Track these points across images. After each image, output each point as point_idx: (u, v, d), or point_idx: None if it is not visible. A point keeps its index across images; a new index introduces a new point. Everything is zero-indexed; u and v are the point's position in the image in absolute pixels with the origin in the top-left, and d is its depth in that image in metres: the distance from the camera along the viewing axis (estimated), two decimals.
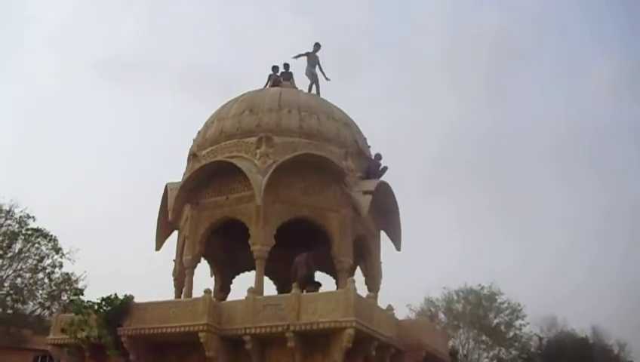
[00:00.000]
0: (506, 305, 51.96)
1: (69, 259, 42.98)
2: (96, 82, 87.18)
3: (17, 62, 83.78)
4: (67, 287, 39.77)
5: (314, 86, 21.42)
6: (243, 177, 17.42)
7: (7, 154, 72.41)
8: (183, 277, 18.78)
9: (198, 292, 16.79)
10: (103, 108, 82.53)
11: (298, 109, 18.99)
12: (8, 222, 42.07)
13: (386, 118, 79.97)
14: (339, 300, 14.40)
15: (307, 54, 21.57)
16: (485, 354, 52.70)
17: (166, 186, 19.30)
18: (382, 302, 16.84)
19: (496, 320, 52.41)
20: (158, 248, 20.02)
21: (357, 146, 19.24)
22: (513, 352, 51.32)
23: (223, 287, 20.89)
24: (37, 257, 42.48)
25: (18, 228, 42.41)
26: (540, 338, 53.14)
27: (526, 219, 77.20)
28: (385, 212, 19.46)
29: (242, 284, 19.46)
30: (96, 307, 16.48)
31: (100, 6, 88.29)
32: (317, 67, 21.63)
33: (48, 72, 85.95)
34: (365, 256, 19.33)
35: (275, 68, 21.58)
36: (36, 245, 42.82)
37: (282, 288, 19.43)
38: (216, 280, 21.12)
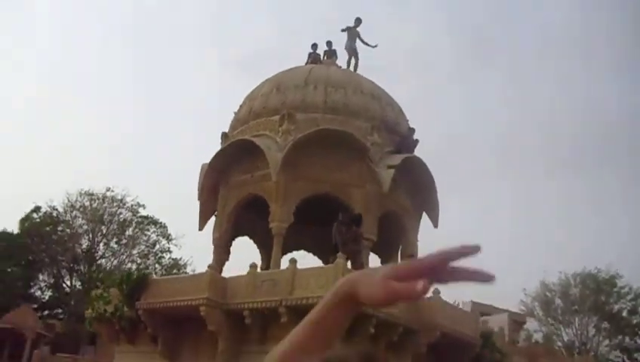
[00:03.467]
0: (627, 289, 49.11)
1: (176, 245, 44.89)
2: (237, 76, 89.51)
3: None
4: (176, 271, 41.46)
5: (352, 60, 21.01)
6: (265, 155, 17.39)
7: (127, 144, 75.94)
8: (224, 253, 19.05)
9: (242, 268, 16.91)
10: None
11: (325, 85, 18.71)
12: (121, 210, 44.37)
13: (521, 96, 77.75)
14: (328, 275, 14.13)
15: (347, 29, 21.22)
16: (606, 342, 50.04)
17: (202, 166, 19.58)
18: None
19: (617, 306, 49.67)
20: (200, 228, 20.33)
21: (386, 120, 18.67)
22: (638, 341, 48.47)
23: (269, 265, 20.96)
24: (147, 243, 44.59)
25: (130, 216, 44.61)
26: None
27: None
28: (421, 188, 18.84)
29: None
30: (117, 283, 17.07)
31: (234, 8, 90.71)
32: (357, 41, 21.21)
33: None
34: (399, 234, 18.78)
35: (314, 45, 21.38)
36: (146, 232, 44.91)
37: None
38: (262, 258, 21.23)
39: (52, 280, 42.68)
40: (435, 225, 19.20)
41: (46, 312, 41.83)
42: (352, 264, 15.51)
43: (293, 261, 15.20)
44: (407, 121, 19.81)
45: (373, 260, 19.54)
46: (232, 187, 18.58)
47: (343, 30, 21.31)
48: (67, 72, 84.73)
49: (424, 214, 19.61)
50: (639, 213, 74.02)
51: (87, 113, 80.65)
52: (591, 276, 49.67)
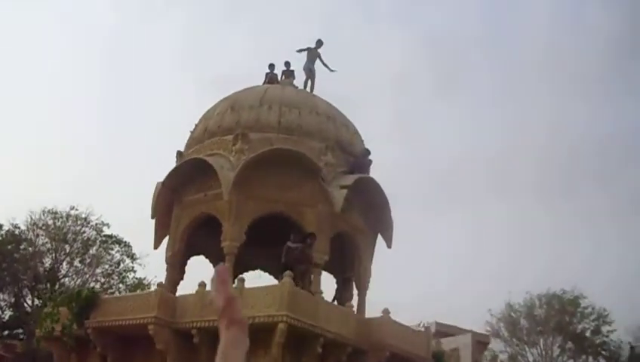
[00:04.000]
0: (590, 309, 49.54)
1: (140, 264, 44.62)
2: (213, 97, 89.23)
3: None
4: (140, 291, 41.05)
5: (309, 82, 21.13)
6: (217, 174, 17.41)
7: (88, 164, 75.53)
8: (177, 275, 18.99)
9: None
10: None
11: (280, 105, 18.81)
12: (85, 229, 43.96)
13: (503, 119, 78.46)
14: (274, 294, 14.15)
15: (308, 49, 21.31)
16: None
17: (156, 185, 19.54)
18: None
19: (581, 326, 50.06)
20: (155, 247, 20.24)
21: (340, 141, 18.78)
22: (601, 361, 48.82)
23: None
24: (111, 263, 44.23)
25: (95, 235, 44.24)
26: (632, 347, 49.94)
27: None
28: (375, 208, 18.94)
29: None
30: (66, 301, 16.94)
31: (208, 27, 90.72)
32: (316, 63, 21.32)
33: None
34: (353, 254, 18.84)
35: (271, 66, 21.47)
36: (111, 251, 44.56)
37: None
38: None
39: (13, 300, 42.13)
40: (389, 246, 19.30)
41: (6, 332, 41.23)
42: (300, 283, 15.57)
43: (241, 280, 15.21)
44: (363, 142, 19.97)
45: (328, 280, 19.66)
46: (186, 206, 18.56)
47: (300, 50, 21.40)
48: (33, 83, 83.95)
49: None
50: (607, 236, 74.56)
51: (52, 128, 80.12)
52: (556, 296, 50.04)
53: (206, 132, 19.11)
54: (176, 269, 18.71)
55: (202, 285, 15.67)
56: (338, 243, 18.21)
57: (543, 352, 49.86)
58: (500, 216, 79.64)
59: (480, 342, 42.24)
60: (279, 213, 17.59)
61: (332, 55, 21.83)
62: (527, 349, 50.57)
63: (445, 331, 41.63)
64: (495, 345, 49.84)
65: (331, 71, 21.57)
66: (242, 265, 19.93)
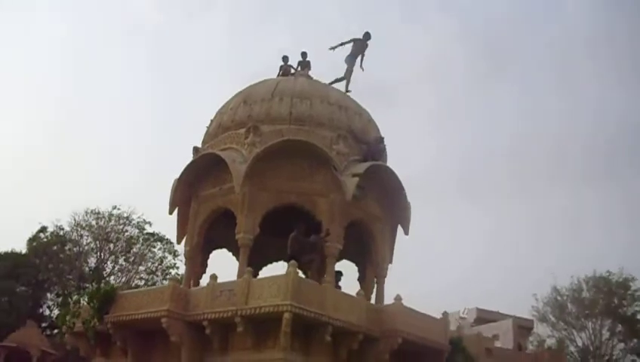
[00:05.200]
0: None
1: (182, 261, 45.42)
2: None
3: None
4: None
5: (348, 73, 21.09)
6: (229, 168, 17.61)
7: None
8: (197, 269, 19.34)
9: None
10: None
11: (291, 96, 18.87)
12: (127, 228, 44.83)
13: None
14: (280, 284, 14.26)
15: (354, 40, 21.28)
16: (621, 346, 49.44)
17: (173, 181, 19.84)
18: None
19: (631, 309, 49.14)
20: (178, 242, 20.57)
21: (352, 129, 18.79)
22: None
23: None
24: (154, 260, 44.98)
25: (137, 233, 45.05)
26: None
27: None
28: (390, 195, 18.94)
29: None
30: (88, 297, 17.37)
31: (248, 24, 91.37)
32: (360, 56, 21.32)
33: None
34: (370, 242, 18.85)
35: (285, 58, 21.55)
36: (153, 248, 45.32)
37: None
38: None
39: (60, 299, 43.26)
40: (406, 233, 19.26)
41: (55, 331, 42.34)
42: (309, 273, 15.68)
43: (249, 271, 15.34)
44: (378, 130, 19.93)
45: (346, 268, 19.72)
46: (202, 200, 18.80)
47: (339, 45, 21.32)
48: (82, 90, 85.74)
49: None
50: None
51: (96, 129, 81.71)
52: (603, 279, 49.23)
53: (220, 127, 19.32)
54: (196, 263, 19.00)
55: (213, 277, 15.88)
56: (355, 232, 18.26)
57: (592, 336, 49.14)
58: (549, 202, 78.70)
59: (522, 327, 41.85)
60: (292, 203, 17.67)
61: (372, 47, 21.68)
62: (575, 333, 49.92)
63: (486, 317, 41.45)
64: (541, 329, 49.38)
65: (362, 69, 21.50)
66: (261, 257, 20.21)
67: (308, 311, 14.14)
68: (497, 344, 36.37)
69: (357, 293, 16.23)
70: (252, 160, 17.29)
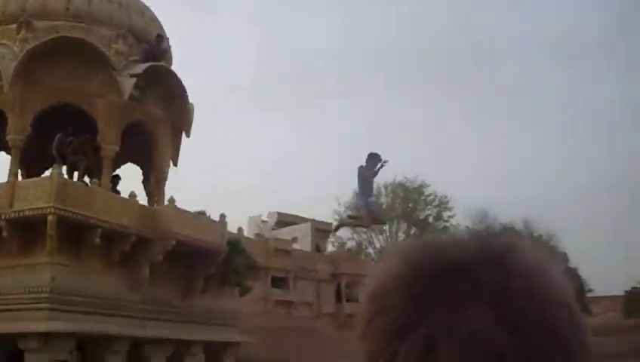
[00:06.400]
0: (432, 197, 51.89)
1: None
2: None
3: None
4: None
5: None
6: None
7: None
8: None
9: None
10: None
11: None
12: None
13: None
14: (44, 187, 13.91)
15: None
16: None
17: None
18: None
19: (424, 213, 52.48)
20: None
21: (133, 28, 18.25)
22: None
23: None
24: None
25: None
26: (470, 230, 53.00)
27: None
28: (172, 98, 18.72)
29: None
30: None
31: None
32: None
33: None
34: (151, 145, 18.66)
35: None
36: None
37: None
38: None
39: None
40: (188, 135, 19.26)
41: None
42: (76, 175, 15.36)
43: (14, 174, 14.86)
44: (163, 30, 19.48)
45: (127, 171, 19.51)
46: None
47: None
48: None
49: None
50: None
51: None
52: (401, 185, 51.94)
53: None
54: None
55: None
56: (136, 134, 18.00)
57: (389, 238, 52.05)
58: (349, 108, 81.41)
59: (321, 230, 43.39)
60: (67, 103, 17.06)
61: None
62: (373, 236, 52.65)
63: (287, 220, 42.69)
64: (342, 232, 51.53)
65: None
66: (42, 160, 19.50)
67: (74, 213, 13.93)
68: (296, 246, 37.58)
69: (129, 195, 16.12)
70: (23, 57, 16.45)
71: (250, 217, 41.90)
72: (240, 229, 20.22)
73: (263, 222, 42.14)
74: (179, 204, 16.93)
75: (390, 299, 0.49)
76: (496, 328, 0.45)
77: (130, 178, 19.87)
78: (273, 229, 40.79)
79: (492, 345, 0.44)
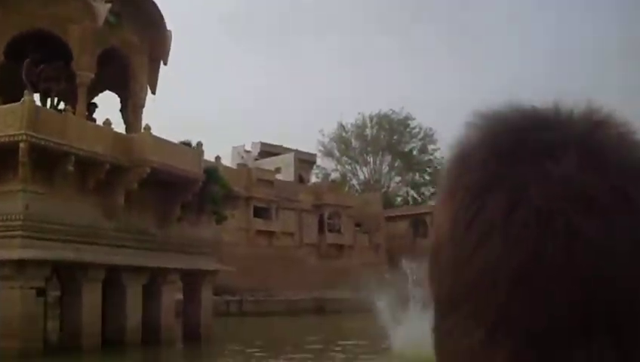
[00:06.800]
0: (417, 129, 51.80)
1: None
2: None
3: None
4: None
5: None
6: None
7: None
8: None
9: None
10: None
11: None
12: None
13: None
14: (16, 114, 13.74)
15: None
16: (398, 179, 53.02)
17: None
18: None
19: (409, 146, 52.43)
20: None
21: None
22: (427, 177, 51.62)
23: None
24: None
25: None
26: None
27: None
28: (149, 25, 18.39)
29: None
30: None
31: None
32: None
33: None
34: (127, 72, 18.41)
35: None
36: None
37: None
38: None
39: None
40: (165, 63, 18.98)
41: None
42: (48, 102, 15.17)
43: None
44: None
45: (106, 98, 19.33)
46: None
47: None
48: None
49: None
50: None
51: None
52: (386, 117, 51.74)
53: None
54: None
55: None
56: (112, 60, 17.74)
57: (373, 170, 52.15)
58: (332, 46, 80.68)
59: (304, 161, 43.33)
60: (41, 28, 16.74)
61: None
62: (358, 168, 52.77)
63: (271, 151, 42.57)
64: (327, 163, 51.68)
65: None
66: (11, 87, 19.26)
67: (46, 140, 13.81)
68: (279, 176, 37.62)
69: (104, 122, 15.97)
70: None
71: (233, 147, 41.69)
72: (218, 158, 20.06)
73: (247, 152, 41.97)
74: (160, 134, 16.85)
75: (474, 158, 0.46)
76: (587, 174, 0.42)
77: (112, 107, 19.66)
78: (256, 159, 40.68)
79: (583, 188, 0.41)
